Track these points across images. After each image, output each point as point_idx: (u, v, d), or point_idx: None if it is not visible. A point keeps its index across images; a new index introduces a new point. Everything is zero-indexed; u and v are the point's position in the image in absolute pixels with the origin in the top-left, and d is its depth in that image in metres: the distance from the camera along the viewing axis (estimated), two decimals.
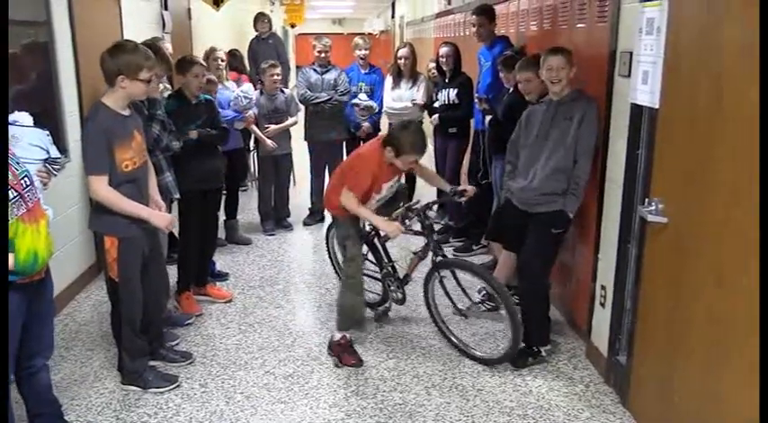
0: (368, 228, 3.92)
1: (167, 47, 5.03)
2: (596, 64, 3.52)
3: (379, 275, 4.11)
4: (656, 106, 2.83)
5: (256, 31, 8.78)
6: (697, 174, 2.51)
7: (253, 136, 7.41)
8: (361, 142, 5.87)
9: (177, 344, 3.86)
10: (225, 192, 4.78)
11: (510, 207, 3.77)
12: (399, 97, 5.91)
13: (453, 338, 3.83)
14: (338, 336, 3.73)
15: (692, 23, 2.59)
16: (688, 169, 2.58)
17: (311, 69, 6.07)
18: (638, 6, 2.99)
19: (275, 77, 5.74)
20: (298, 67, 18.09)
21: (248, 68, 7.83)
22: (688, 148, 2.58)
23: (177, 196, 3.94)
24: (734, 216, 2.26)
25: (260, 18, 8.78)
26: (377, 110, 6.12)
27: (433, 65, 5.95)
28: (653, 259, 2.89)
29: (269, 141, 5.74)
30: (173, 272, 4.28)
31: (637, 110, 3.07)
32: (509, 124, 3.99)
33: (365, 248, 3.94)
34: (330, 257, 4.61)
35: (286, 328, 4.11)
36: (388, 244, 4.09)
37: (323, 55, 6.01)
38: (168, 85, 4.59)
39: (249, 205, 6.97)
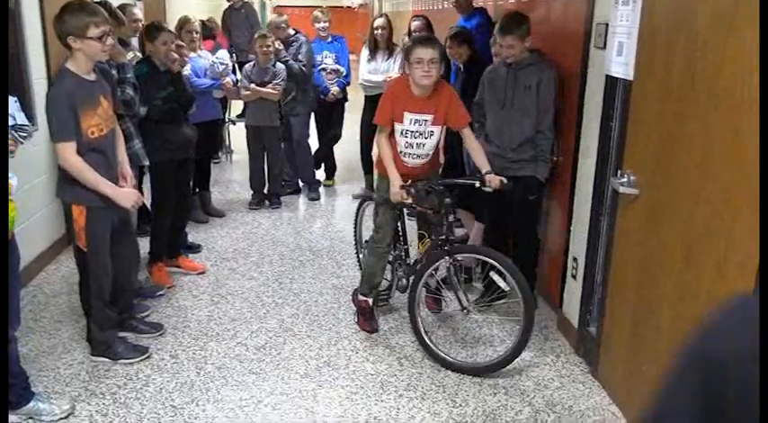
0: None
1: (136, 12, 4.91)
2: (573, 36, 3.50)
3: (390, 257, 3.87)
4: (631, 78, 2.82)
5: (228, 0, 8.63)
6: (669, 147, 2.51)
7: (229, 107, 7.38)
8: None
9: (148, 315, 3.82)
10: (195, 162, 4.65)
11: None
12: (376, 69, 5.84)
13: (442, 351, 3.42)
14: (360, 297, 3.75)
15: None
16: (660, 142, 2.58)
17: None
18: None
19: (266, 49, 5.60)
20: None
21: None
22: (661, 121, 2.58)
23: (146, 163, 3.86)
24: (705, 190, 2.27)
25: None
26: (345, 73, 6.10)
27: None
28: (624, 232, 2.90)
29: (244, 92, 5.63)
30: (144, 243, 4.23)
31: (611, 82, 3.06)
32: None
33: None
34: (355, 237, 4.41)
35: (259, 300, 4.09)
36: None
37: (279, 30, 5.91)
38: (139, 53, 4.49)
39: (223, 177, 6.90)
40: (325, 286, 4.31)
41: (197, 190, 5.52)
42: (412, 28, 5.59)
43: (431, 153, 3.48)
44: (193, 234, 5.05)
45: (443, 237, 3.35)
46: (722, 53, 2.15)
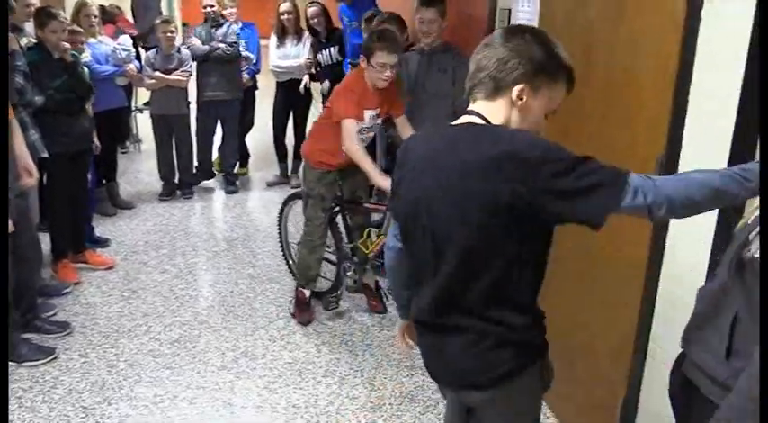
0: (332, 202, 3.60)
1: None
2: (477, 21, 3.57)
3: (333, 258, 3.79)
4: None
5: None
6: (569, 131, 2.61)
7: (135, 95, 7.11)
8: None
9: (54, 314, 3.67)
10: (100, 153, 4.46)
11: None
12: (285, 55, 5.75)
13: None
14: (298, 288, 3.71)
15: None
16: (561, 127, 2.67)
17: (202, 24, 5.77)
18: None
19: (169, 35, 5.39)
20: (184, 24, 17.28)
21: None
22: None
23: (45, 155, 3.67)
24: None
25: None
26: (254, 60, 5.98)
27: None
28: None
29: (148, 81, 5.42)
30: (46, 239, 4.04)
31: None
32: None
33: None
34: (279, 236, 4.21)
35: (172, 293, 3.99)
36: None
37: (209, 9, 5.72)
38: (33, 39, 4.25)
39: (131, 168, 6.66)
40: (241, 276, 4.25)
41: (104, 181, 5.31)
42: (308, 15, 5.56)
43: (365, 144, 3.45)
44: (101, 227, 4.87)
45: None
46: (615, 32, 2.26)
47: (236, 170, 6.16)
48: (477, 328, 1.51)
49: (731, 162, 1.68)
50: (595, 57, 2.39)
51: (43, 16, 3.91)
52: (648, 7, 2.11)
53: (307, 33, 5.79)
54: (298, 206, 3.98)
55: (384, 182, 3.12)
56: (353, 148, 3.18)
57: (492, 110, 1.49)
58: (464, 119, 1.52)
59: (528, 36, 1.47)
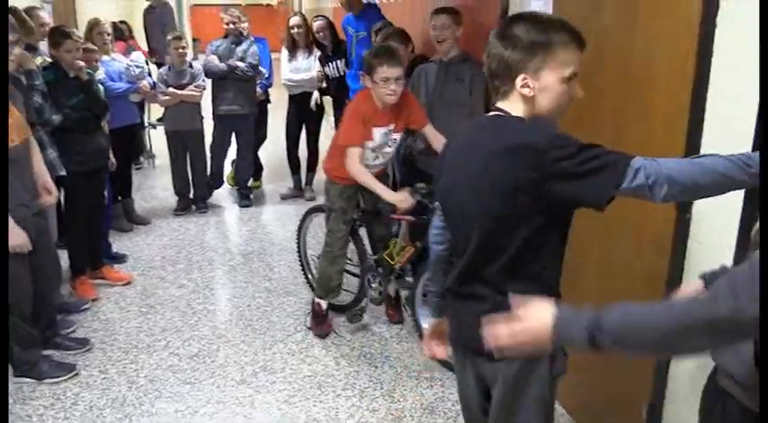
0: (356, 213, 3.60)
1: (42, 16, 4.72)
2: (488, 29, 3.55)
3: (357, 270, 3.77)
4: None
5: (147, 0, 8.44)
6: (579, 131, 2.60)
7: (148, 111, 7.17)
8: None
9: (73, 331, 3.68)
10: (115, 170, 4.49)
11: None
12: (297, 69, 5.77)
13: None
14: (315, 299, 3.69)
15: None
16: (570, 128, 2.66)
17: (221, 39, 5.79)
18: None
19: (181, 50, 5.43)
20: (194, 39, 17.46)
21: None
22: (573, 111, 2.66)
23: (63, 173, 3.70)
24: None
25: None
26: (266, 75, 6.01)
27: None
28: None
29: (162, 97, 5.45)
30: (65, 255, 4.07)
31: None
32: None
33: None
34: (298, 249, 4.19)
35: (189, 308, 4.00)
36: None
37: (231, 26, 5.72)
38: (48, 58, 4.29)
39: (146, 183, 6.71)
40: (258, 290, 4.26)
41: (119, 198, 5.35)
42: (314, 29, 5.62)
43: (387, 159, 3.46)
44: (118, 243, 4.90)
45: None
46: (629, 37, 2.25)
47: (249, 183, 6.19)
48: (494, 300, 1.59)
49: None
50: (611, 63, 2.39)
51: (57, 36, 3.95)
52: (662, 12, 2.10)
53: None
54: (318, 219, 3.98)
55: (395, 197, 3.15)
56: (357, 171, 3.20)
57: (511, 106, 1.58)
58: (492, 112, 1.63)
59: (509, 27, 1.55)
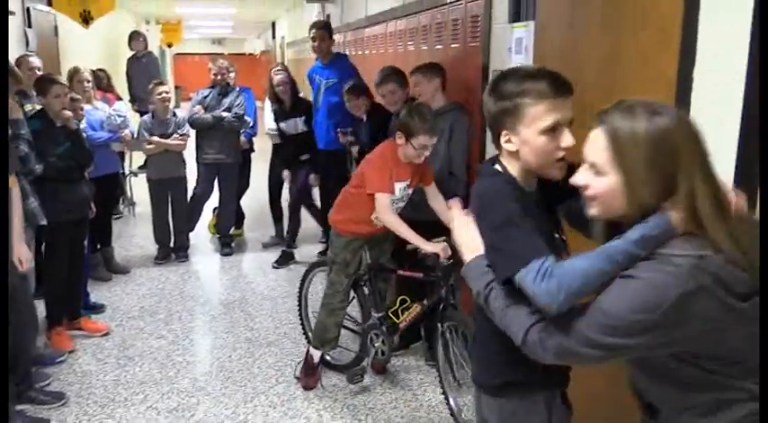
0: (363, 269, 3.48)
1: (32, 61, 4.75)
2: (471, 81, 3.65)
3: (358, 328, 3.66)
4: None
5: (131, 49, 8.53)
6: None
7: (130, 158, 7.16)
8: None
9: (48, 384, 3.58)
10: (94, 218, 4.43)
11: None
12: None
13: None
14: (311, 350, 3.60)
15: (556, 42, 2.74)
16: None
17: (207, 89, 5.81)
18: (508, 27, 3.12)
19: (165, 95, 5.45)
20: (177, 87, 17.56)
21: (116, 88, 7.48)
22: None
23: (44, 222, 3.66)
24: None
25: (134, 36, 8.55)
26: (251, 124, 6.02)
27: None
28: None
29: (147, 146, 5.44)
30: (41, 306, 3.99)
31: None
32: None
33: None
34: (299, 303, 4.02)
35: (169, 360, 3.92)
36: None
37: (218, 77, 5.75)
38: (38, 106, 4.27)
39: (126, 232, 6.65)
40: (239, 340, 4.19)
41: (99, 246, 5.29)
42: (275, 82, 5.37)
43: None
44: (96, 293, 4.82)
45: (443, 301, 3.10)
46: (608, 93, 2.30)
47: (231, 231, 6.16)
48: (489, 333, 1.67)
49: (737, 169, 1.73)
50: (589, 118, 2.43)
51: (45, 82, 3.97)
52: (640, 69, 2.16)
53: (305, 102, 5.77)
54: (322, 274, 3.82)
55: (430, 247, 3.01)
56: (392, 220, 3.11)
57: (505, 160, 1.65)
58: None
59: (493, 83, 1.60)
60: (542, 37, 2.83)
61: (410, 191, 3.30)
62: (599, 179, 1.35)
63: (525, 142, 1.56)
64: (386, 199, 3.12)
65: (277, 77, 5.39)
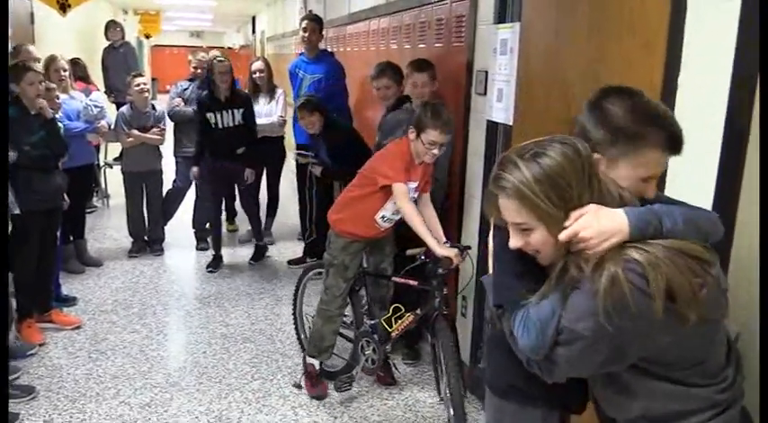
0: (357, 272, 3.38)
1: (31, 50, 4.73)
2: (454, 82, 3.64)
3: (351, 334, 3.53)
4: (511, 123, 2.96)
5: (108, 39, 8.39)
6: None
7: (105, 150, 7.05)
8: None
9: (18, 378, 3.51)
10: (67, 209, 4.35)
11: None
12: (258, 113, 5.69)
13: None
14: (308, 360, 3.50)
15: (542, 45, 2.75)
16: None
17: (186, 82, 5.78)
18: (493, 28, 3.13)
19: (143, 87, 5.39)
20: (153, 79, 17.32)
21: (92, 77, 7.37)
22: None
23: (17, 211, 3.58)
24: None
25: (111, 26, 8.41)
26: None
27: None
28: None
29: (127, 138, 5.39)
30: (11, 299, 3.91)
31: (493, 127, 3.19)
32: (346, 161, 4.00)
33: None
34: (294, 307, 3.88)
35: (142, 354, 3.87)
36: None
37: (198, 70, 5.73)
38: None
39: (99, 224, 6.55)
40: (214, 336, 4.15)
41: (71, 238, 5.20)
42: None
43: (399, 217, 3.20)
44: (68, 285, 4.74)
45: (436, 310, 3.02)
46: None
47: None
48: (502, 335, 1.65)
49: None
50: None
51: (19, 70, 3.88)
52: (626, 74, 2.18)
53: (280, 90, 5.84)
54: (318, 276, 3.69)
55: (442, 251, 2.92)
56: (411, 211, 2.99)
57: None
58: None
59: (604, 99, 1.50)
60: (527, 39, 2.84)
61: (416, 195, 3.17)
62: (531, 236, 1.40)
63: (619, 178, 1.44)
64: (403, 187, 3.02)
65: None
